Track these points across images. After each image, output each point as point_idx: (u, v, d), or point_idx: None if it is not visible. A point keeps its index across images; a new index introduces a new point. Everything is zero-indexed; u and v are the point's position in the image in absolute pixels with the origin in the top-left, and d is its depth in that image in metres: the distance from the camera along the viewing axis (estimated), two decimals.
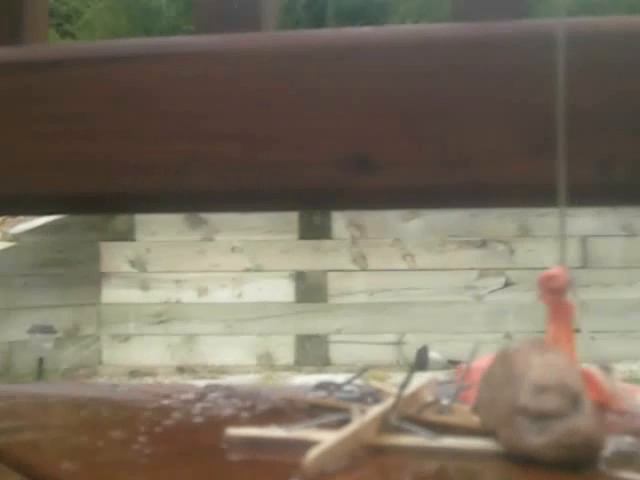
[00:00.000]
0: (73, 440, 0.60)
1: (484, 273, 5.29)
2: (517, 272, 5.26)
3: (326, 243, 5.39)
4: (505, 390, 0.50)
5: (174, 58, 0.75)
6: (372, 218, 5.30)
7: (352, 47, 0.73)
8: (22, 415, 0.70)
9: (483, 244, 5.33)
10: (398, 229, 5.34)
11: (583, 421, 0.48)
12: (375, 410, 0.55)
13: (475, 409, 0.56)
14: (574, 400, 0.48)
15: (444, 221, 5.27)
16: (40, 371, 4.83)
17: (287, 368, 5.27)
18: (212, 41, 0.76)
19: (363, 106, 0.71)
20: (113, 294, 5.44)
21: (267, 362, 5.33)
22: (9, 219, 5.13)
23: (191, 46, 0.77)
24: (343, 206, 0.85)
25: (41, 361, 4.84)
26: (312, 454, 0.46)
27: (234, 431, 0.55)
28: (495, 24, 0.70)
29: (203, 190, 0.75)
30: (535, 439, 0.47)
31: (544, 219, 4.91)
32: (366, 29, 0.76)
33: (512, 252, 5.36)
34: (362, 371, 0.74)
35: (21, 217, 5.04)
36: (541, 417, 0.48)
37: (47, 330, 4.85)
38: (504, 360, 0.53)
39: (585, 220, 5.11)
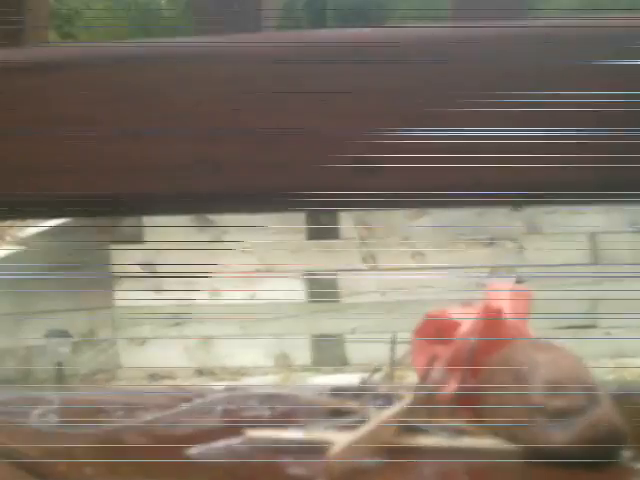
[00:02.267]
0: None
1: (494, 271, 5.28)
2: (527, 269, 5.25)
3: (334, 243, 5.39)
4: (515, 391, 0.51)
5: (177, 59, 0.76)
6: (380, 217, 5.29)
7: (352, 47, 0.73)
8: None
9: (492, 242, 5.32)
10: (406, 228, 5.34)
11: (603, 412, 0.48)
12: (391, 410, 0.55)
13: (481, 412, 0.56)
14: (590, 393, 0.48)
15: (452, 219, 5.27)
16: (59, 376, 4.83)
17: (305, 369, 5.26)
18: (213, 41, 0.77)
19: (363, 106, 0.72)
20: (126, 297, 5.44)
21: (284, 363, 5.33)
22: (19, 222, 5.14)
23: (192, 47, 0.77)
24: (345, 205, 0.86)
25: (60, 366, 4.84)
26: (334, 453, 0.47)
27: (254, 433, 0.56)
28: (494, 24, 0.70)
29: (205, 192, 0.75)
30: (557, 436, 0.48)
31: (552, 216, 4.90)
32: (366, 29, 0.76)
33: (521, 249, 5.36)
34: (375, 371, 0.75)
35: (31, 221, 5.05)
36: (559, 414, 0.48)
37: (63, 334, 4.85)
38: (508, 361, 0.53)
39: (594, 217, 5.10)
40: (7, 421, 0.68)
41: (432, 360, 0.62)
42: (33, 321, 4.85)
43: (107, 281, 5.43)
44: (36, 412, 0.70)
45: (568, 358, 0.52)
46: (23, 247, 5.04)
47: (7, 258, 5.03)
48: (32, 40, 0.81)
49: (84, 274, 5.28)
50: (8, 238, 5.21)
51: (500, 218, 5.21)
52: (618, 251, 5.21)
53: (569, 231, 5.07)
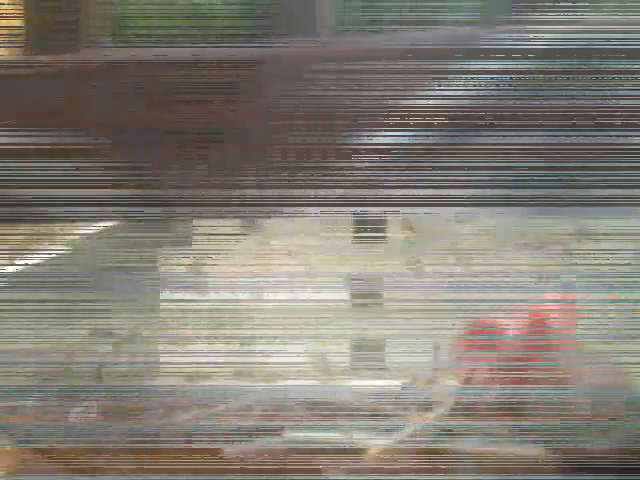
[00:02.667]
0: None
1: (541, 276, 5.21)
2: (576, 274, 5.18)
3: (380, 246, 5.38)
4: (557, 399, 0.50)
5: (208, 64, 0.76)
6: (425, 220, 5.27)
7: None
8: None
9: (540, 246, 5.27)
10: (452, 231, 5.30)
11: None
12: (430, 415, 0.55)
13: (521, 419, 0.55)
14: (632, 404, 0.47)
15: (499, 222, 5.22)
16: (99, 375, 4.90)
17: (343, 373, 5.27)
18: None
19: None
20: (171, 298, 5.49)
21: (323, 366, 5.34)
22: (68, 224, 5.21)
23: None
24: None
25: (100, 365, 4.91)
26: (371, 455, 0.46)
27: (291, 433, 0.55)
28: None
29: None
30: (597, 447, 0.46)
31: (602, 220, 4.83)
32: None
33: (570, 254, 5.30)
34: (416, 376, 0.74)
35: (79, 222, 5.11)
36: (601, 424, 0.47)
37: (106, 334, 4.92)
38: (552, 369, 0.52)
39: None
40: (46, 417, 0.69)
41: (475, 366, 0.61)
42: (78, 320, 4.92)
43: (153, 283, 5.49)
44: (75, 409, 0.70)
45: (612, 368, 0.50)
46: (72, 248, 5.12)
47: (56, 259, 5.12)
48: (84, 43, 0.81)
49: (130, 276, 5.35)
50: (58, 240, 5.31)
51: (548, 221, 5.14)
52: None
53: (623, 232, 4.98)
